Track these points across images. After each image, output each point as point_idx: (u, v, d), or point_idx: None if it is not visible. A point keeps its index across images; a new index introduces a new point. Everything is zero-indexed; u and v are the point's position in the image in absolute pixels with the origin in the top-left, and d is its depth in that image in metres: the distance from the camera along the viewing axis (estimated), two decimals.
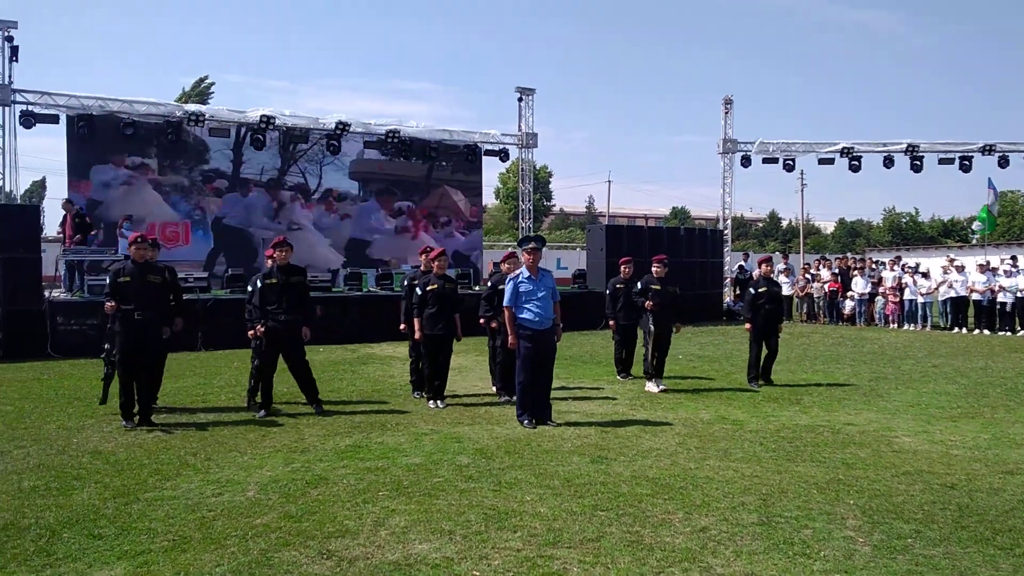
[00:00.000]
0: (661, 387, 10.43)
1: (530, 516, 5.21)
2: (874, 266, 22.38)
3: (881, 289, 20.95)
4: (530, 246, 8.35)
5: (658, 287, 10.60)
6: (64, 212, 16.80)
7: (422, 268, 10.04)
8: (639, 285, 10.79)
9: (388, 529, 4.96)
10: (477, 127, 24.21)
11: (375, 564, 4.40)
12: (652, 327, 10.58)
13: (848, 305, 21.43)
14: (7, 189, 17.16)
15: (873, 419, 8.58)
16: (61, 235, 16.77)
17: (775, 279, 11.40)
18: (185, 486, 5.91)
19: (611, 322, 11.76)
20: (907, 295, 20.15)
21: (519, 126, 24.09)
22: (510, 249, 11.31)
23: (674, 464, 6.58)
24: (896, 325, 20.26)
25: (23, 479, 6.08)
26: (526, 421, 8.16)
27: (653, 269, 10.83)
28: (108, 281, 8.33)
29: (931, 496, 5.71)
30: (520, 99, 24.00)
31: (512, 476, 6.18)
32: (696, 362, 13.55)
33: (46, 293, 14.76)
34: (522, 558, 4.49)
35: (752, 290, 11.11)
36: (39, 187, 59.19)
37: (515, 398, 8.55)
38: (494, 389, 10.18)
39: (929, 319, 19.97)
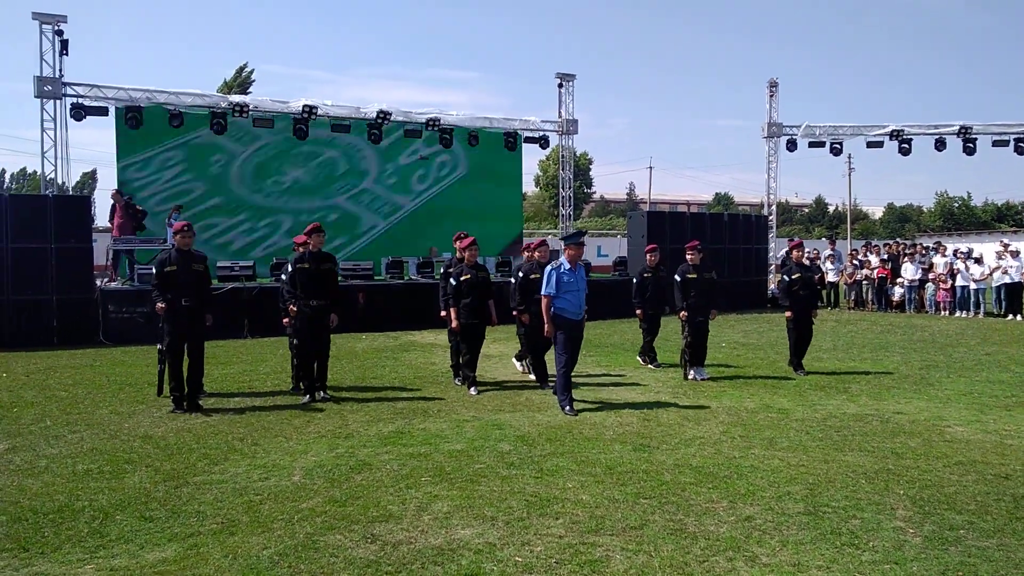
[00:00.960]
0: (704, 376, 10.32)
1: (572, 503, 5.21)
2: (925, 252, 21.82)
3: (932, 275, 20.42)
4: (580, 240, 8.59)
5: (694, 275, 10.45)
6: (113, 202, 17.18)
7: (456, 256, 10.08)
8: (677, 277, 10.56)
9: (431, 514, 4.99)
10: (517, 114, 24.07)
11: (418, 548, 4.43)
12: (687, 319, 10.34)
13: (897, 292, 20.94)
14: (59, 181, 17.59)
15: (924, 408, 8.38)
16: (110, 226, 17.17)
17: (808, 265, 11.16)
18: (233, 470, 6.02)
19: (638, 311, 11.63)
20: (959, 281, 19.61)
21: (559, 112, 23.95)
22: (542, 237, 11.30)
23: (718, 453, 6.51)
24: (947, 312, 19.74)
25: (77, 463, 6.26)
26: (568, 408, 8.21)
27: (688, 256, 10.65)
28: (155, 271, 8.56)
29: (984, 487, 5.56)
30: (560, 85, 23.84)
31: (554, 463, 6.17)
32: (740, 350, 13.36)
33: (98, 282, 15.14)
34: (564, 545, 4.49)
35: (786, 277, 10.92)
36: (89, 178, 60.78)
37: (552, 383, 8.65)
38: (521, 369, 10.59)
39: (982, 306, 19.41)
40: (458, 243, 10.08)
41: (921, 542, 4.53)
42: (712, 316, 10.63)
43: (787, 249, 22.38)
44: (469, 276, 9.50)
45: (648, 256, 11.80)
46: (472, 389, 9.42)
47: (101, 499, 5.33)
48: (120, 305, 14.51)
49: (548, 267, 8.60)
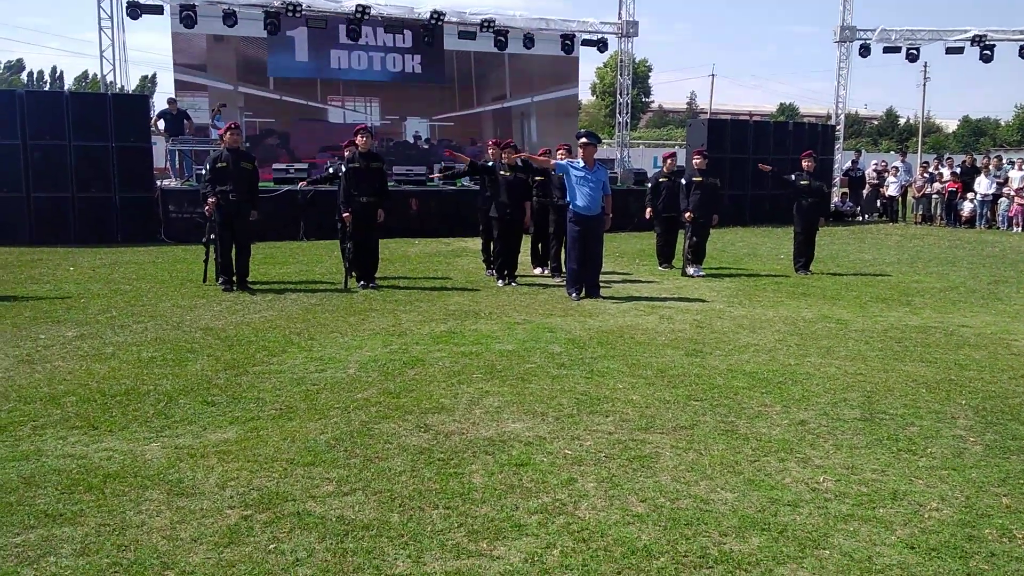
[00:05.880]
0: (700, 273, 11.11)
1: (622, 403, 5.21)
2: (1000, 165, 20.73)
3: (1006, 190, 19.48)
4: (581, 141, 9.28)
5: (699, 179, 11.14)
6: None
7: (490, 161, 10.71)
8: (683, 180, 11.36)
9: (482, 408, 5.05)
10: (575, 15, 23.14)
11: (470, 439, 4.50)
12: (689, 221, 11.19)
13: (967, 207, 20.07)
14: (117, 81, 17.69)
15: (990, 322, 8.10)
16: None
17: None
18: (290, 362, 6.16)
19: (648, 211, 12.02)
20: None
21: (619, 13, 22.96)
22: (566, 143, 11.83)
23: (773, 360, 6.42)
24: (1020, 228, 18.91)
25: (142, 350, 6.48)
26: (574, 294, 9.18)
27: (694, 161, 11.52)
28: (207, 167, 9.42)
29: None
30: None
31: (604, 365, 6.17)
32: None
33: (157, 182, 15.38)
34: (614, 440, 4.51)
35: (793, 176, 11.57)
36: (149, 82, 61.38)
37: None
38: (536, 271, 11.23)
39: None
40: (491, 150, 10.76)
41: (982, 450, 4.42)
42: (713, 222, 11.38)
43: (852, 160, 21.54)
44: (507, 174, 10.13)
45: (666, 162, 12.19)
46: (500, 281, 10.16)
47: (165, 384, 5.53)
48: (180, 205, 14.76)
49: (567, 160, 9.51)
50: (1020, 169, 19.50)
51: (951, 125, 70.74)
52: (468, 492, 3.79)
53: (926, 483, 3.97)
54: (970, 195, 20.01)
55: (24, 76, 67.18)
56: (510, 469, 4.07)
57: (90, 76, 61.48)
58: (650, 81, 64.51)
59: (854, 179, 22.43)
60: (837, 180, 23.09)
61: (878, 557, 3.24)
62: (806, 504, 3.72)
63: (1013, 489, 3.91)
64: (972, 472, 4.11)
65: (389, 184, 10.98)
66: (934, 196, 20.83)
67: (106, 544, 3.27)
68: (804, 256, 11.55)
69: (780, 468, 4.14)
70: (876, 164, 23.40)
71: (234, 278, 9.37)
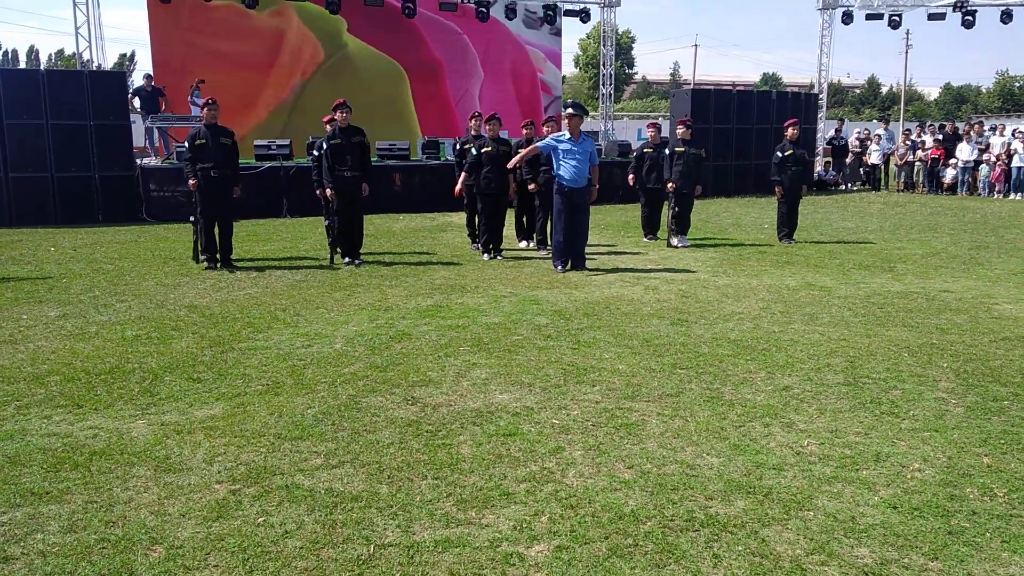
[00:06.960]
0: (686, 244, 11.12)
1: (608, 372, 5.24)
2: (983, 132, 20.83)
3: (987, 156, 19.58)
4: (568, 111, 9.18)
5: (682, 149, 11.03)
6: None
7: (472, 133, 10.78)
8: (666, 151, 11.25)
9: (470, 380, 5.07)
10: None
11: (458, 410, 4.51)
12: (672, 191, 11.05)
13: (949, 173, 20.18)
14: (94, 59, 17.37)
15: (972, 287, 8.18)
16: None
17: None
18: (276, 338, 6.14)
19: (631, 177, 12.01)
20: (1015, 162, 18.80)
21: None
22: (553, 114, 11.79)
23: (757, 327, 6.46)
24: (1001, 194, 19.05)
25: (125, 329, 6.44)
26: (559, 266, 9.16)
27: (677, 131, 11.38)
28: (187, 145, 9.34)
29: None
30: None
31: (590, 336, 6.19)
32: None
33: (137, 160, 15.18)
34: (600, 409, 4.53)
35: (780, 153, 11.38)
36: (127, 60, 60.39)
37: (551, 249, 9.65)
38: (522, 244, 11.21)
39: None
40: (473, 121, 10.78)
41: (963, 412, 4.48)
42: (697, 192, 11.32)
43: (836, 129, 21.44)
44: (490, 148, 10.10)
45: (649, 133, 12.08)
46: (485, 254, 10.13)
47: (150, 362, 5.50)
48: (161, 184, 14.59)
49: (551, 136, 9.40)
50: (1001, 135, 19.62)
51: (933, 92, 70.88)
52: (456, 462, 3.81)
53: (908, 445, 4.03)
54: (952, 162, 20.12)
55: None
56: (498, 439, 4.09)
57: (66, 54, 60.43)
58: (633, 52, 64.19)
59: (837, 148, 22.51)
60: (820, 149, 23.14)
61: (861, 517, 3.29)
62: (790, 467, 3.76)
63: (994, 449, 3.97)
64: (954, 433, 4.17)
65: (372, 159, 10.93)
66: (916, 163, 20.94)
67: (93, 521, 3.27)
68: (788, 225, 11.58)
69: (765, 433, 4.19)
70: (859, 132, 23.45)
71: (218, 256, 9.32)
